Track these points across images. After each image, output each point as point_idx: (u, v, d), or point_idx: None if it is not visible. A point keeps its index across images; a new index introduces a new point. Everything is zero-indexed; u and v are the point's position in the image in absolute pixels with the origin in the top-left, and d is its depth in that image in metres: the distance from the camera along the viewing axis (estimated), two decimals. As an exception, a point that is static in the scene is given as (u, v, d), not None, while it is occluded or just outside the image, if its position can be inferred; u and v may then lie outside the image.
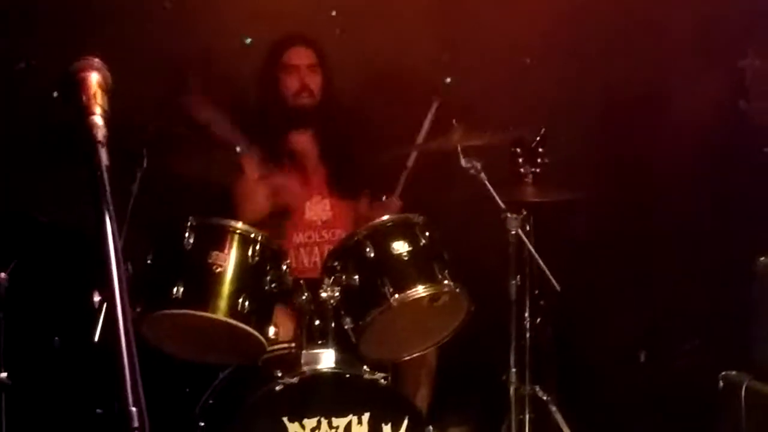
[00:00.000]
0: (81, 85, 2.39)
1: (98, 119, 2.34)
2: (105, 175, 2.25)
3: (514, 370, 5.28)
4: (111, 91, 2.44)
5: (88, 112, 2.35)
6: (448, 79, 6.50)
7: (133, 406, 2.15)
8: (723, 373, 5.27)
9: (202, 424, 4.74)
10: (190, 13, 5.93)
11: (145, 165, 4.65)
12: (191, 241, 4.59)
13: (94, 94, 2.37)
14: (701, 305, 6.27)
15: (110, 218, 2.23)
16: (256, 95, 5.77)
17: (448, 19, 6.36)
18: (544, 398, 5.42)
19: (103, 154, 2.28)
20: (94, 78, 2.41)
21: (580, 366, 6.31)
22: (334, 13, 6.37)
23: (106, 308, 2.23)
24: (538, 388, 5.42)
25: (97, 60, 2.45)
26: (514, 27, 6.22)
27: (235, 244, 4.65)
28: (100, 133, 2.31)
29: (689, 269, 6.26)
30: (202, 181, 5.26)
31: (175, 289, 4.48)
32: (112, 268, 2.21)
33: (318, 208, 5.62)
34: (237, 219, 4.87)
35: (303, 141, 5.67)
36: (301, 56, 5.66)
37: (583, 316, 6.35)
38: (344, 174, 5.67)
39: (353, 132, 5.80)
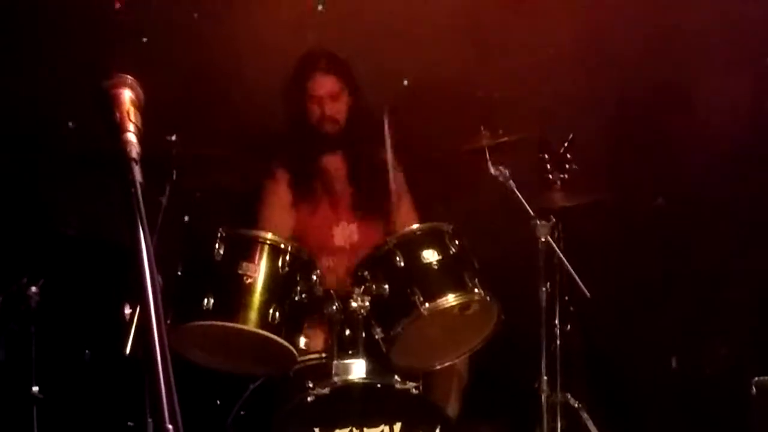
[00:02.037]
0: (114, 103, 2.39)
1: (132, 137, 2.34)
2: (139, 193, 2.25)
3: (545, 377, 5.25)
4: (143, 109, 2.43)
5: (121, 130, 2.35)
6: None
7: (170, 423, 2.14)
8: (756, 378, 5.24)
9: (234, 435, 4.75)
10: (217, 27, 5.95)
11: (174, 177, 4.66)
12: (221, 252, 4.59)
13: (128, 112, 2.37)
14: (733, 309, 6.24)
15: (145, 235, 2.23)
16: (286, 116, 5.72)
17: (475, 29, 6.33)
18: (576, 405, 5.39)
19: (137, 172, 2.28)
20: (127, 95, 2.41)
21: (611, 373, 6.28)
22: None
23: (142, 324, 2.23)
24: (569, 396, 5.40)
25: (129, 77, 2.45)
26: (540, 33, 6.20)
27: (265, 255, 4.65)
28: (134, 150, 2.31)
29: (720, 273, 6.23)
30: (231, 191, 5.29)
31: (205, 301, 4.49)
32: (147, 286, 2.21)
33: (345, 234, 5.59)
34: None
35: (333, 162, 5.65)
36: (323, 86, 5.56)
37: (613, 323, 6.32)
38: (372, 195, 5.62)
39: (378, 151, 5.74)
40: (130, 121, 2.36)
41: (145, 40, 5.84)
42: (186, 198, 5.01)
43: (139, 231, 2.23)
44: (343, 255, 5.53)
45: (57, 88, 5.60)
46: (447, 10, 6.27)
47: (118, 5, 6.04)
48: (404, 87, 6.37)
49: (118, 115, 2.37)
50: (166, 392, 2.16)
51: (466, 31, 6.32)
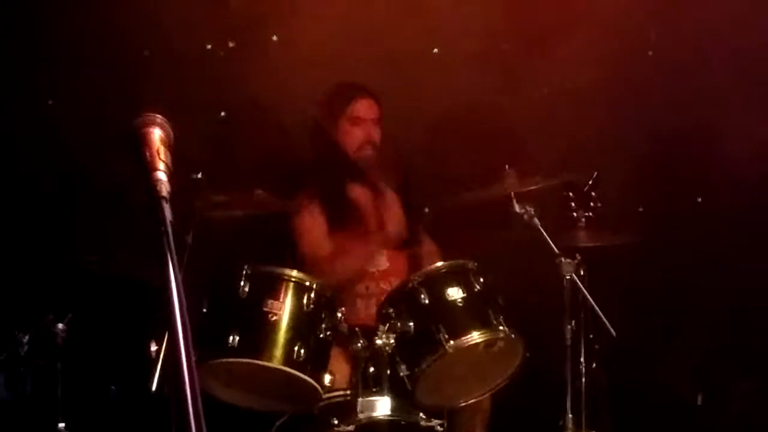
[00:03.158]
0: (144, 141, 2.40)
1: (162, 175, 2.35)
2: (170, 230, 2.27)
3: (570, 415, 5.23)
4: (173, 147, 2.45)
5: (151, 168, 2.36)
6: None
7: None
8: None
9: (260, 472, 4.75)
10: (242, 64, 6.00)
11: (199, 216, 4.68)
12: (246, 289, 4.61)
13: (158, 151, 2.39)
14: (758, 346, 6.22)
15: (175, 273, 2.24)
16: (314, 145, 5.76)
17: (499, 65, 6.36)
18: (601, 443, 5.38)
19: (167, 210, 2.29)
20: (156, 134, 2.42)
21: (636, 410, 6.26)
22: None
23: (172, 361, 2.24)
24: (594, 433, 5.39)
25: (159, 116, 2.46)
26: (564, 70, 6.22)
27: (290, 292, 4.66)
28: (164, 189, 2.32)
29: (745, 310, 6.21)
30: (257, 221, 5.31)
31: (230, 338, 4.50)
32: (177, 324, 2.22)
33: (375, 260, 5.59)
34: (298, 257, 4.89)
35: (361, 192, 5.67)
36: (369, 109, 5.65)
37: (638, 360, 6.30)
38: (399, 226, 5.64)
39: (410, 181, 5.80)
40: (160, 159, 2.38)
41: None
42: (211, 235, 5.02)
43: (169, 268, 2.24)
44: (372, 282, 5.53)
45: (85, 125, 5.64)
46: (470, 47, 6.30)
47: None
48: (426, 123, 6.38)
49: (148, 153, 2.39)
50: (196, 429, 2.16)
51: (489, 68, 6.34)
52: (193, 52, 6.01)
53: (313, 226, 5.51)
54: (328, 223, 5.54)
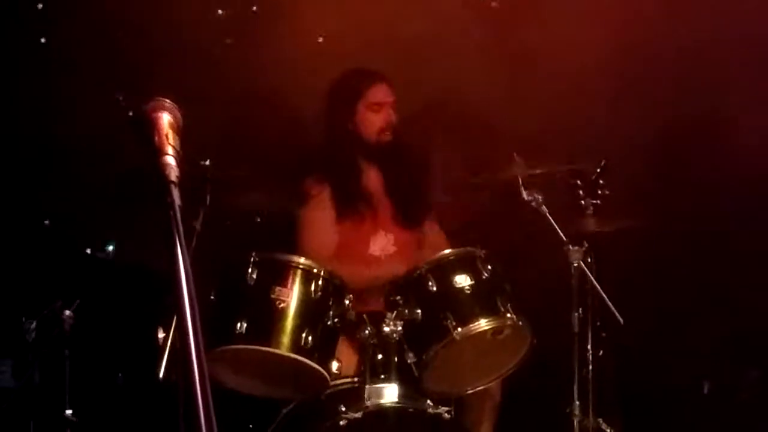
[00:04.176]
0: (153, 126, 2.40)
1: (171, 159, 2.35)
2: (178, 215, 2.26)
3: (577, 402, 5.23)
4: (182, 132, 2.44)
5: (160, 153, 2.36)
6: None
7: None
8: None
9: (267, 459, 4.75)
10: (250, 50, 5.99)
11: (208, 201, 4.67)
12: (254, 276, 4.61)
13: (167, 135, 2.39)
14: (765, 336, 6.21)
15: (184, 257, 2.24)
16: (328, 131, 5.73)
17: (505, 53, 6.34)
18: (608, 431, 5.36)
19: (176, 194, 2.29)
20: (165, 119, 2.42)
21: (643, 398, 6.26)
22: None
23: (181, 344, 2.23)
24: (601, 421, 5.36)
25: (168, 101, 2.46)
26: (571, 58, 6.20)
27: (297, 279, 4.66)
28: (173, 173, 2.32)
29: (753, 299, 6.20)
30: (266, 213, 5.29)
31: (238, 325, 4.50)
32: (185, 306, 2.22)
33: (382, 243, 5.59)
34: (299, 253, 4.89)
35: (371, 176, 5.67)
36: (386, 93, 5.63)
37: (645, 348, 6.30)
38: (409, 207, 5.65)
39: (416, 164, 5.80)
40: (169, 144, 2.38)
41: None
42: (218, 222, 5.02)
43: (177, 252, 2.24)
44: (379, 266, 5.52)
45: (94, 115, 5.65)
46: (474, 36, 6.29)
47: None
48: (431, 112, 6.38)
49: (157, 138, 2.39)
50: (204, 416, 2.16)
51: (496, 57, 6.33)
52: (203, 41, 6.02)
53: (320, 218, 5.50)
54: (337, 210, 5.53)
